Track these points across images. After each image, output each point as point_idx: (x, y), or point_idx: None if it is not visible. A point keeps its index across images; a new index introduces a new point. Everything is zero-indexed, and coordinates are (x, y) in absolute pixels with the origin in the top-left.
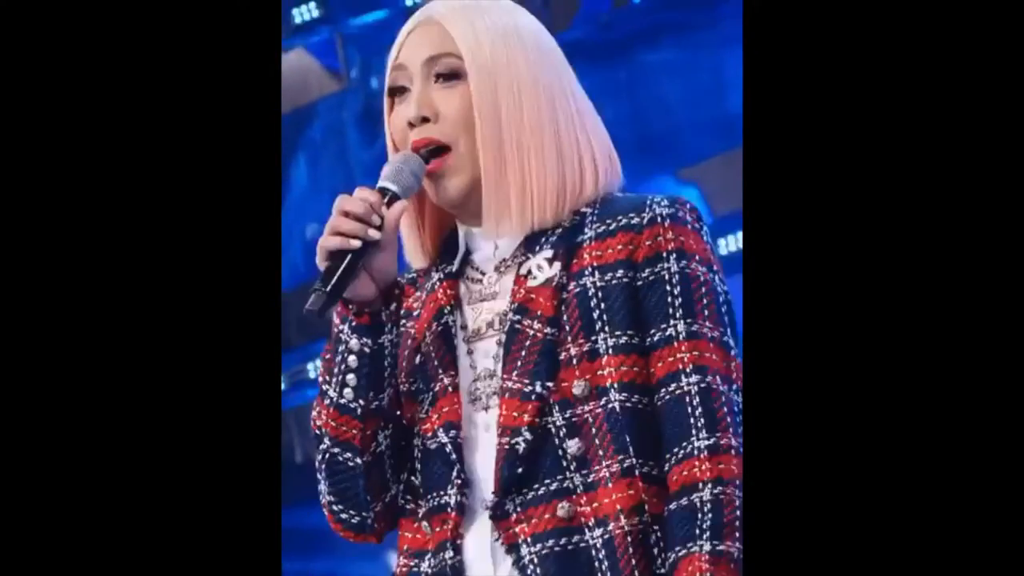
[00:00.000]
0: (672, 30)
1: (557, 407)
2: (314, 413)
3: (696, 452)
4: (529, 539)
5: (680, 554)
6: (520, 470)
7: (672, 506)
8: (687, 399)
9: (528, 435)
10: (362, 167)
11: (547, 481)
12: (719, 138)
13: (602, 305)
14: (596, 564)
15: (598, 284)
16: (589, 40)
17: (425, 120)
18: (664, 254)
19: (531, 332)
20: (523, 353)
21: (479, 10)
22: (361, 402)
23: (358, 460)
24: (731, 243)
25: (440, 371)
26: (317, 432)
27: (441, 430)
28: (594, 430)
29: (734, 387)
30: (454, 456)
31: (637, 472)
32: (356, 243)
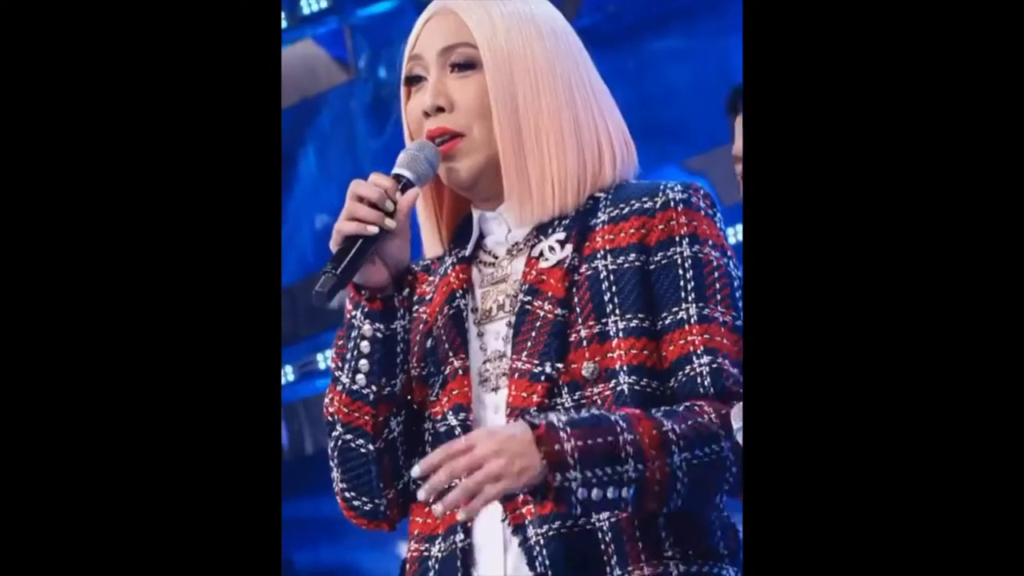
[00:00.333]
0: (679, 18)
1: (566, 388)
2: (326, 400)
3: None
4: (535, 520)
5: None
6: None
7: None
8: (699, 380)
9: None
10: (370, 157)
11: None
12: (726, 127)
13: (613, 288)
14: (603, 547)
15: (610, 267)
16: (596, 28)
17: (440, 110)
18: (677, 238)
19: (541, 313)
20: (533, 334)
21: None
22: (374, 388)
23: (370, 447)
24: (739, 232)
25: (450, 353)
26: (329, 419)
27: (451, 412)
28: None
29: None
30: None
31: None
32: (373, 229)
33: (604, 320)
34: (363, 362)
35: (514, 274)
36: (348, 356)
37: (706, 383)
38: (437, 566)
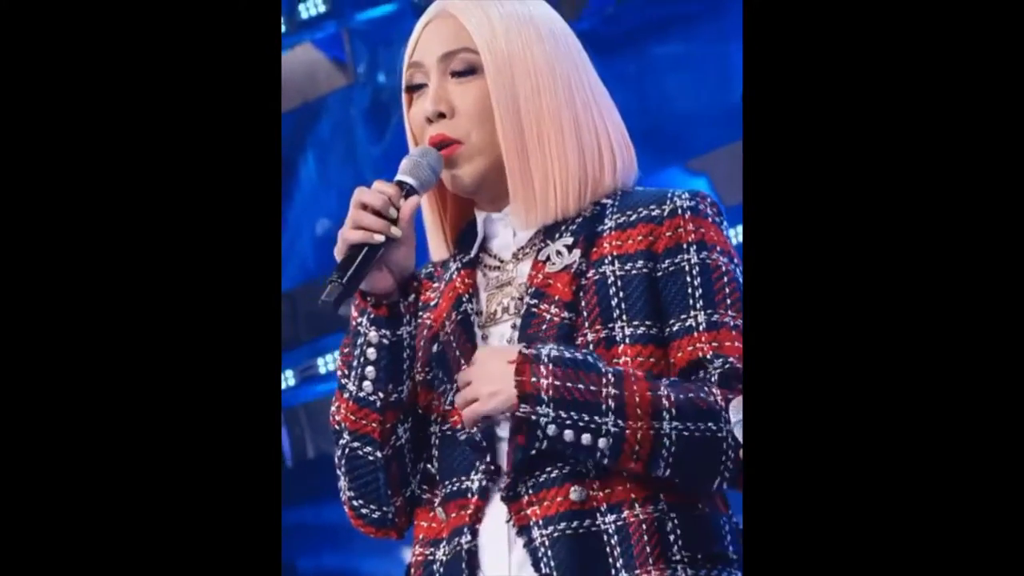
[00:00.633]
0: (679, 22)
1: None
2: (333, 408)
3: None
4: (540, 522)
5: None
6: (533, 452)
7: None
8: (709, 386)
9: None
10: (370, 162)
11: (560, 464)
12: (727, 129)
13: (621, 294)
14: (608, 549)
15: (617, 273)
16: (597, 32)
17: (441, 116)
18: (684, 245)
19: (548, 316)
20: (538, 336)
21: (493, 0)
22: (380, 395)
23: (378, 454)
24: (739, 233)
25: (462, 361)
26: (336, 428)
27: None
28: None
29: None
30: (485, 444)
31: None
32: (379, 238)
33: (611, 325)
34: (369, 369)
35: (519, 277)
36: (354, 363)
37: (716, 381)
38: (442, 569)
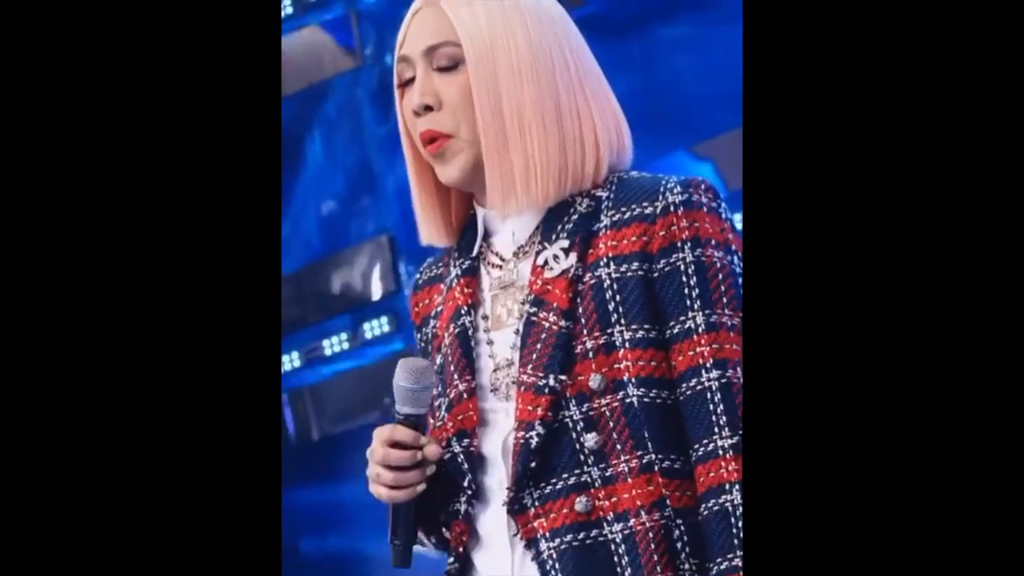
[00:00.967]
0: (686, 5)
1: (574, 401)
2: None
3: (721, 452)
4: (548, 534)
5: (722, 567)
6: (533, 464)
7: (704, 512)
8: (708, 395)
9: (541, 429)
10: (377, 143)
11: (565, 475)
12: (733, 114)
13: (617, 297)
14: (616, 559)
15: (613, 275)
16: (604, 15)
17: (429, 108)
18: (679, 244)
19: (546, 324)
20: (538, 346)
21: None
22: None
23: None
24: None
25: (455, 376)
26: None
27: (455, 439)
28: (611, 424)
29: None
30: (465, 466)
31: (656, 468)
32: (421, 487)
33: (610, 331)
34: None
35: (521, 279)
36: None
37: (716, 399)
38: None
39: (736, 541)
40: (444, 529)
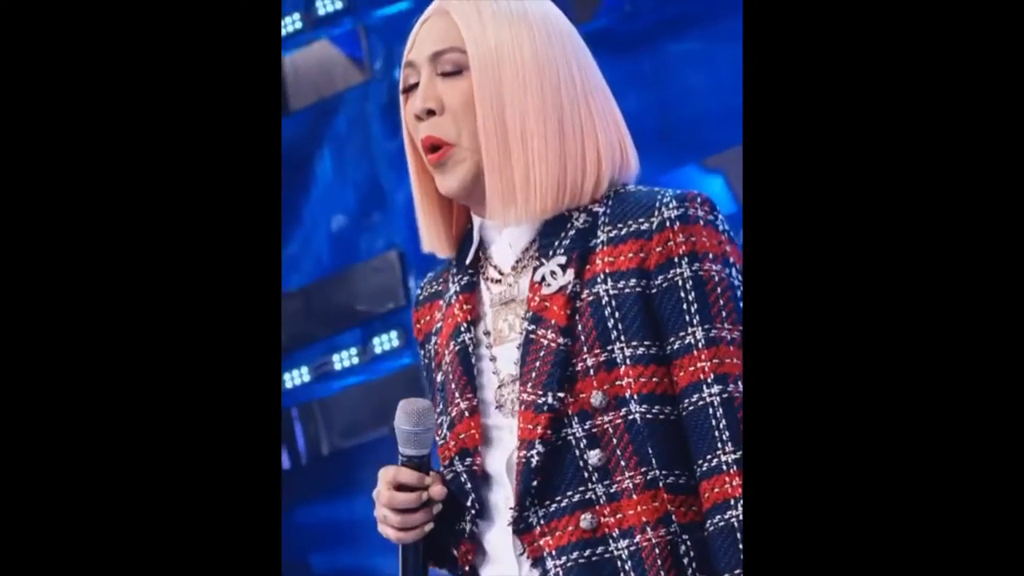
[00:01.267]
0: (695, 19)
1: (576, 418)
2: None
3: (725, 468)
4: (554, 552)
5: None
6: (535, 483)
7: (710, 528)
8: (710, 410)
9: (541, 448)
10: (387, 158)
11: (569, 493)
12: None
13: (616, 314)
14: (623, 575)
15: (611, 292)
16: (613, 30)
17: (431, 112)
18: (676, 259)
19: (545, 342)
20: (537, 364)
21: None
22: None
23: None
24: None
25: (457, 394)
26: None
27: (457, 458)
28: (615, 440)
29: None
30: (468, 486)
31: (661, 484)
32: (430, 526)
33: (610, 348)
34: None
35: (521, 294)
36: None
37: (718, 414)
38: None
39: (743, 556)
40: (455, 551)
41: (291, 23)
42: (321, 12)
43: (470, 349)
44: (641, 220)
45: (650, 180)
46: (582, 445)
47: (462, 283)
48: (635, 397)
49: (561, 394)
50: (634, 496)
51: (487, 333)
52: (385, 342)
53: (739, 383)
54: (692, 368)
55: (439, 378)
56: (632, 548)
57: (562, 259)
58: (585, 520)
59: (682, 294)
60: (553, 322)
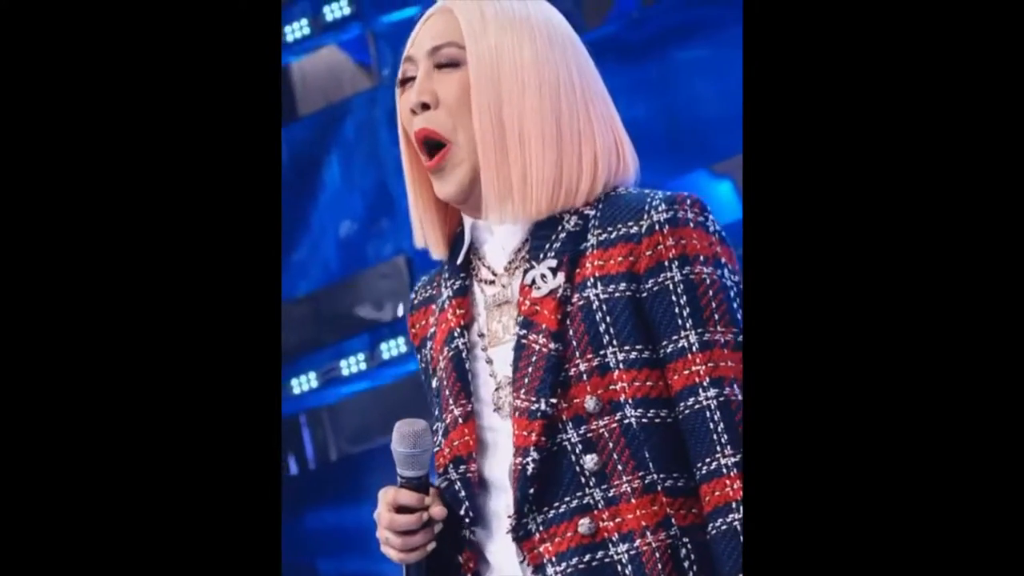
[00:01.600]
0: (704, 26)
1: (571, 424)
2: None
3: (725, 471)
4: (554, 558)
5: None
6: (532, 490)
7: (712, 531)
8: (707, 413)
9: (536, 455)
10: (394, 164)
11: (567, 499)
12: None
13: (607, 319)
14: None
15: (601, 296)
16: (622, 37)
17: (425, 106)
18: (666, 263)
19: (536, 347)
20: (530, 369)
21: None
22: None
23: None
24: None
25: (451, 401)
26: None
27: (451, 466)
28: (611, 444)
29: None
30: (463, 494)
31: (659, 488)
32: (432, 545)
33: (602, 352)
34: None
35: (514, 296)
36: None
37: (715, 417)
38: None
39: (743, 559)
40: (459, 558)
41: (299, 28)
42: (329, 18)
43: (463, 355)
44: (630, 224)
45: (659, 186)
46: (577, 450)
47: (455, 287)
48: (630, 401)
49: (554, 400)
50: (632, 500)
51: (482, 335)
52: (393, 348)
53: (735, 386)
54: (687, 372)
55: (434, 384)
56: (632, 552)
57: (552, 262)
58: (583, 525)
59: (673, 298)
60: (544, 327)
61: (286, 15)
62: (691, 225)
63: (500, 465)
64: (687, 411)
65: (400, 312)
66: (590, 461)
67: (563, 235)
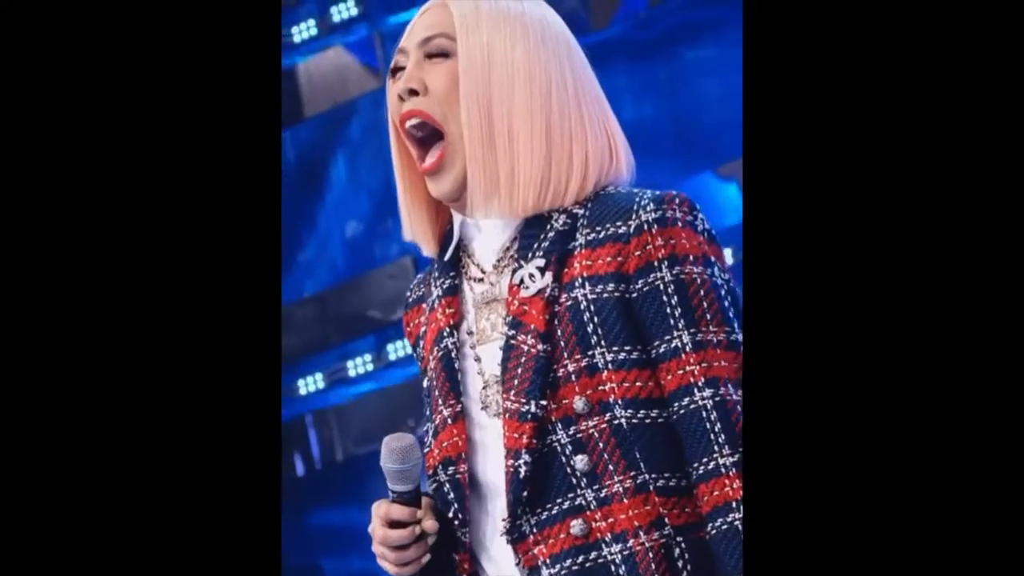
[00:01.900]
0: (710, 27)
1: (560, 424)
2: None
3: (724, 471)
4: (548, 560)
5: None
6: (526, 493)
7: (712, 531)
8: (703, 413)
9: (528, 457)
10: None
11: (559, 500)
12: None
13: (595, 319)
14: None
15: (589, 296)
16: (628, 38)
17: (413, 93)
18: (655, 263)
19: (525, 348)
20: (519, 371)
21: None
22: None
23: None
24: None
25: (440, 401)
26: None
27: (440, 467)
28: (601, 445)
29: None
30: (451, 496)
31: (651, 487)
32: (426, 558)
33: (591, 352)
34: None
35: (502, 294)
36: None
37: (712, 417)
38: None
39: (743, 559)
40: (455, 557)
41: (306, 29)
42: (336, 18)
43: (452, 355)
44: (619, 223)
45: (665, 187)
46: (567, 451)
47: (444, 286)
48: (619, 402)
49: (544, 402)
50: (625, 500)
51: (471, 333)
52: (400, 349)
53: (729, 385)
54: (680, 372)
55: (425, 384)
56: (625, 552)
57: (540, 261)
58: (576, 526)
59: (664, 298)
60: (533, 327)
61: (293, 16)
62: (680, 224)
63: (490, 465)
64: (682, 411)
65: None
66: (580, 462)
67: (551, 234)
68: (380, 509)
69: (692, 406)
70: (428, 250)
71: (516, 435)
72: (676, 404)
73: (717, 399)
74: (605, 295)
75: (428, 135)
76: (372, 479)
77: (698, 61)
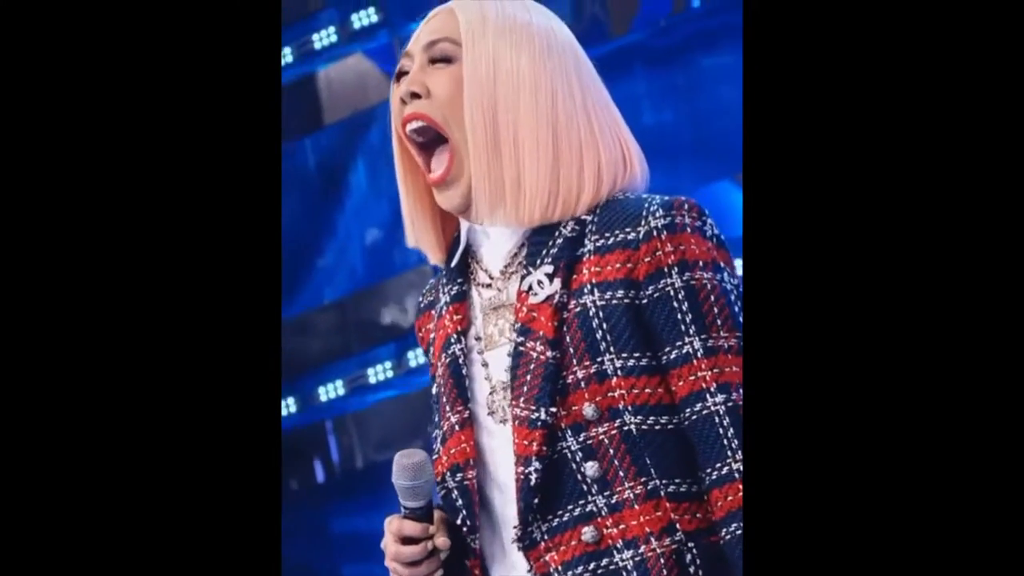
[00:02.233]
0: (730, 34)
1: (570, 431)
2: None
3: (738, 476)
4: (560, 567)
5: None
6: (537, 500)
7: (727, 536)
8: (716, 419)
9: (538, 464)
10: None
11: (570, 507)
12: None
13: (604, 326)
14: None
15: (598, 303)
16: (648, 45)
17: (416, 96)
18: (665, 269)
19: (534, 355)
20: (528, 377)
21: (497, 1)
22: None
23: None
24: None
25: (448, 408)
26: None
27: (448, 474)
28: (611, 451)
29: None
30: (460, 503)
31: (663, 493)
32: (439, 574)
33: (600, 359)
34: None
35: (510, 300)
36: None
37: (725, 423)
38: None
39: (744, 564)
40: (467, 563)
41: (326, 36)
42: (356, 25)
43: (460, 360)
44: (628, 229)
45: (685, 193)
46: (578, 458)
47: (452, 293)
48: (629, 408)
49: (553, 409)
50: (636, 506)
51: (478, 338)
52: (419, 356)
53: (741, 391)
54: (692, 378)
55: (434, 390)
56: (637, 559)
57: (549, 268)
58: (587, 533)
59: (675, 304)
60: (541, 334)
61: (314, 23)
62: (688, 231)
63: (498, 471)
64: (694, 416)
65: None
66: (591, 468)
67: (560, 240)
68: (392, 525)
69: (704, 412)
70: (433, 257)
71: (526, 442)
72: (688, 410)
73: (729, 404)
74: (614, 301)
75: (430, 140)
76: (392, 486)
77: (717, 68)
